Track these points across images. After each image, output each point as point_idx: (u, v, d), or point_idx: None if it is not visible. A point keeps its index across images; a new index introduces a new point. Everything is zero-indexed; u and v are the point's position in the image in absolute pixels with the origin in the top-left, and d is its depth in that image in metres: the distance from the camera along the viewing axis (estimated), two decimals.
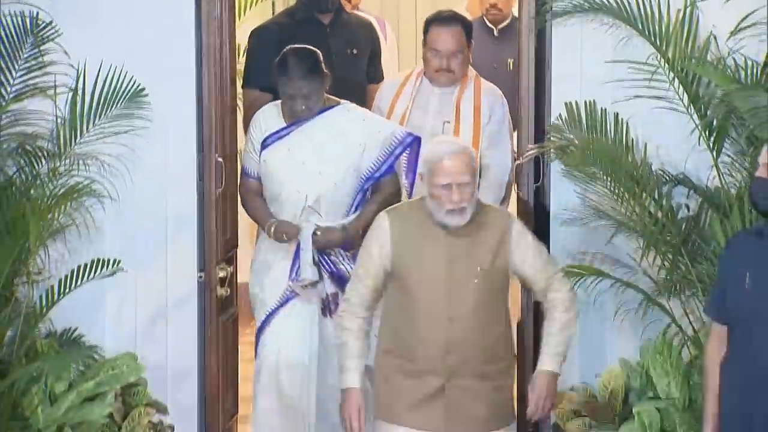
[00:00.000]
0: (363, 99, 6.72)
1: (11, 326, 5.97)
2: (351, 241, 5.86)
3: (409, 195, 5.99)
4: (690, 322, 5.97)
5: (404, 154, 5.89)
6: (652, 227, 6.00)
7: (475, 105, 6.29)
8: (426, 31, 6.26)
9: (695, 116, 5.98)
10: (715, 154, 5.95)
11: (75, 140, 6.08)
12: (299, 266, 5.90)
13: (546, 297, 5.25)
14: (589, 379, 6.16)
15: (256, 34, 6.84)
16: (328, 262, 5.91)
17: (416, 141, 5.87)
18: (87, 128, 6.10)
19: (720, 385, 4.99)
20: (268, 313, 5.97)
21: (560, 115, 6.11)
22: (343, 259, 5.93)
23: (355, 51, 6.76)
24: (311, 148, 5.82)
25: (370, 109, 6.43)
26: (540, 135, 6.30)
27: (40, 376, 5.87)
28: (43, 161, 6.06)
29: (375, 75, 6.91)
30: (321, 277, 5.91)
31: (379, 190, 5.92)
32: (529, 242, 5.21)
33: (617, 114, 6.05)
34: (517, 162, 6.47)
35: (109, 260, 6.07)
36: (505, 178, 6.40)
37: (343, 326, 5.25)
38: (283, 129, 5.87)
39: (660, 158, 6.11)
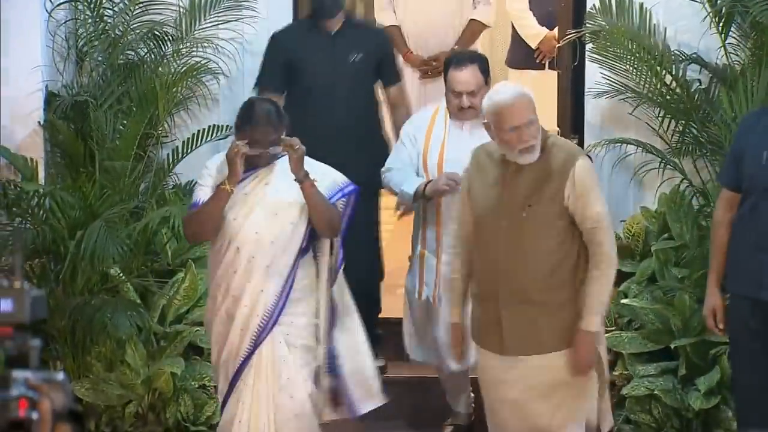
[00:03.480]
0: (372, 100, 6.22)
1: (145, 179, 6.28)
2: None
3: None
4: (699, 177, 6.19)
5: (341, 201, 5.19)
6: (669, 99, 6.24)
7: None
8: (446, 73, 5.68)
9: (707, 5, 6.17)
10: (723, 36, 6.16)
11: (194, 27, 6.35)
12: None
13: (589, 246, 4.85)
14: (616, 225, 6.03)
15: (272, 39, 6.18)
16: None
17: (355, 191, 5.22)
18: (204, 17, 6.35)
19: (732, 241, 5.14)
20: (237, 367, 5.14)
21: (594, 5, 6.30)
22: None
23: (358, 58, 6.08)
24: (268, 192, 5.12)
25: (400, 114, 6.10)
26: (577, 22, 6.45)
27: (168, 218, 6.12)
28: (169, 44, 6.35)
29: (391, 78, 6.24)
30: None
31: None
32: (589, 186, 4.83)
33: (642, 3, 6.24)
34: (558, 45, 6.65)
35: (222, 126, 6.34)
36: None
37: (453, 267, 5.07)
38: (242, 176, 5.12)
39: (677, 41, 6.31)
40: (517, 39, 7.93)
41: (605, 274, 4.84)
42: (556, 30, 7.53)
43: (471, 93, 5.62)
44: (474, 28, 6.92)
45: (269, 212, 5.12)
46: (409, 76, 6.84)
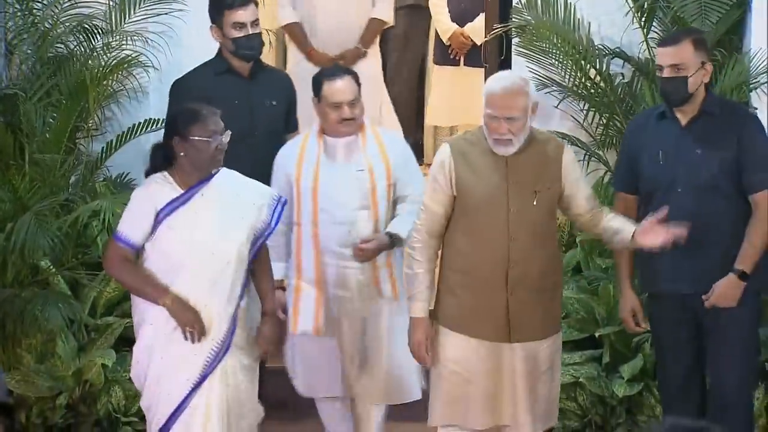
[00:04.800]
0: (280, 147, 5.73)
1: (75, 172, 6.30)
2: None
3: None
4: None
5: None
6: (593, 92, 6.32)
7: (380, 149, 5.41)
8: (318, 88, 5.34)
9: (629, 0, 6.27)
10: (645, 31, 6.27)
11: (124, 20, 6.39)
12: None
13: (594, 219, 4.96)
14: None
15: (175, 87, 5.81)
16: None
17: (286, 202, 5.09)
18: (134, 10, 6.37)
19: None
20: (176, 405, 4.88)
21: (520, 0, 6.37)
22: None
23: (274, 102, 5.75)
24: (216, 209, 4.90)
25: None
26: (504, 17, 6.51)
27: (98, 212, 6.06)
28: (98, 37, 6.36)
29: (293, 125, 5.88)
30: None
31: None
32: (579, 171, 4.98)
33: None
34: (485, 39, 6.72)
35: (153, 119, 6.31)
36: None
37: (414, 257, 4.93)
38: (184, 194, 4.89)
39: (600, 35, 6.40)
40: (438, 36, 8.05)
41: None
42: (468, 26, 7.70)
43: (351, 103, 5.32)
44: (374, 26, 6.87)
45: (222, 232, 4.90)
46: (303, 76, 6.51)
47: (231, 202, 4.94)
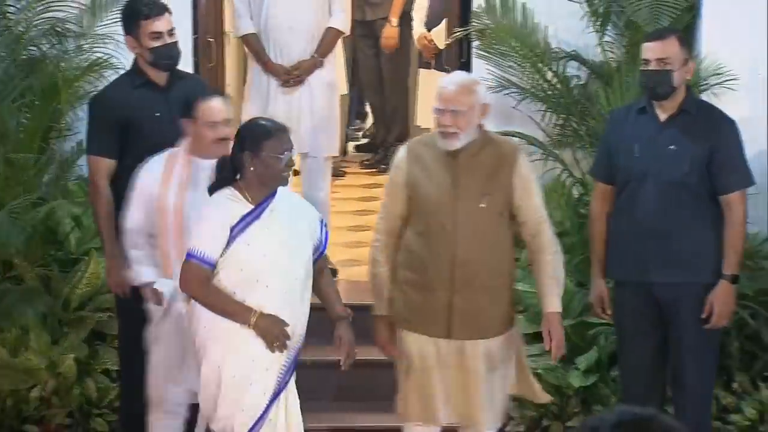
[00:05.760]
0: None
1: (48, 171, 6.38)
2: None
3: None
4: (579, 168, 6.40)
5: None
6: (550, 94, 6.44)
7: None
8: (196, 107, 5.19)
9: (585, 5, 6.42)
10: (600, 35, 6.40)
11: (95, 23, 6.44)
12: None
13: (533, 237, 5.00)
14: None
15: (95, 102, 5.63)
16: None
17: (326, 224, 5.07)
18: (105, 13, 6.42)
19: (613, 231, 5.25)
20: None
21: (480, 4, 6.51)
22: None
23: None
24: (285, 224, 4.84)
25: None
26: (464, 21, 6.66)
27: (70, 210, 6.19)
28: (71, 40, 6.43)
29: None
30: None
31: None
32: (531, 179, 4.98)
33: (524, 3, 6.47)
34: (447, 42, 6.87)
35: None
36: None
37: (375, 258, 5.00)
38: (255, 209, 4.80)
39: (557, 39, 6.52)
40: None
41: (557, 258, 5.02)
42: (434, 30, 7.85)
43: (226, 121, 5.21)
44: (331, 36, 6.81)
45: (292, 248, 4.82)
46: (260, 87, 6.67)
47: (295, 217, 4.88)
